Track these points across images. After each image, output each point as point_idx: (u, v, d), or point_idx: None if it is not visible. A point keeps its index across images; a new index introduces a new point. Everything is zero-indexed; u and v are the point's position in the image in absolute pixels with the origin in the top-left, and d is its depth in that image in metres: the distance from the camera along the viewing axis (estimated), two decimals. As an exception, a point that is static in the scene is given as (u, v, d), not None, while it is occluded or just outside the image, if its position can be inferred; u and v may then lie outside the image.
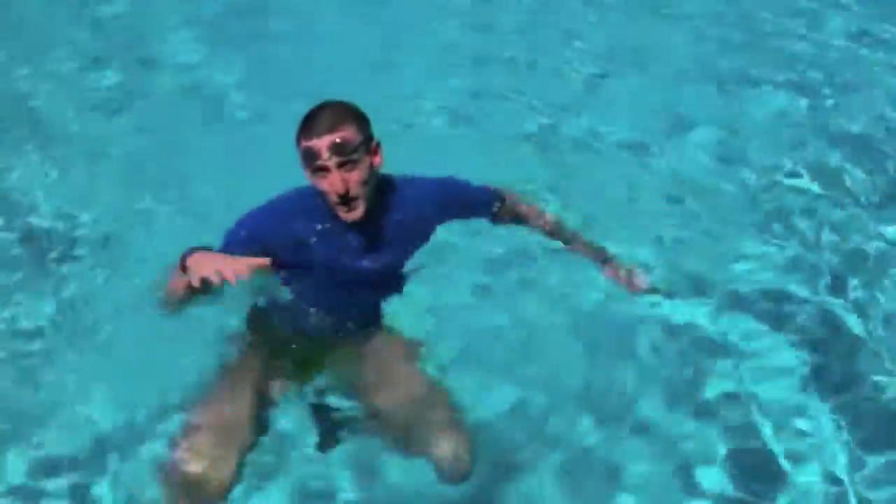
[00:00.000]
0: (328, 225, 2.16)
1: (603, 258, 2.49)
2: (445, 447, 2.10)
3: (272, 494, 2.30)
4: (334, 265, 2.19)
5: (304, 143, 2.04)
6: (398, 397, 2.23)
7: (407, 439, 2.19)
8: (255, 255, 2.04)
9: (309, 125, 2.05)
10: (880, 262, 3.15)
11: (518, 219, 2.46)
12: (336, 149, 2.02)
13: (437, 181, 2.33)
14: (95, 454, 2.45)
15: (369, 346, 2.34)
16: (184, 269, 2.02)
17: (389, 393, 2.25)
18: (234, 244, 2.12)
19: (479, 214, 2.39)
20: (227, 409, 2.20)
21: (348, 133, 2.04)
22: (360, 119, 2.10)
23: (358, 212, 2.08)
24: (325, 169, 2.03)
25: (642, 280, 2.49)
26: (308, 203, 2.16)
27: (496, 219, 2.41)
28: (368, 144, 2.10)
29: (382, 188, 2.18)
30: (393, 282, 2.31)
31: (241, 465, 2.14)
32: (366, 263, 2.20)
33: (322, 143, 2.02)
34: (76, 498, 2.37)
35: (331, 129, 2.03)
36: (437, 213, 2.30)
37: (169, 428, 2.32)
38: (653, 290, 2.62)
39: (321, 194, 2.11)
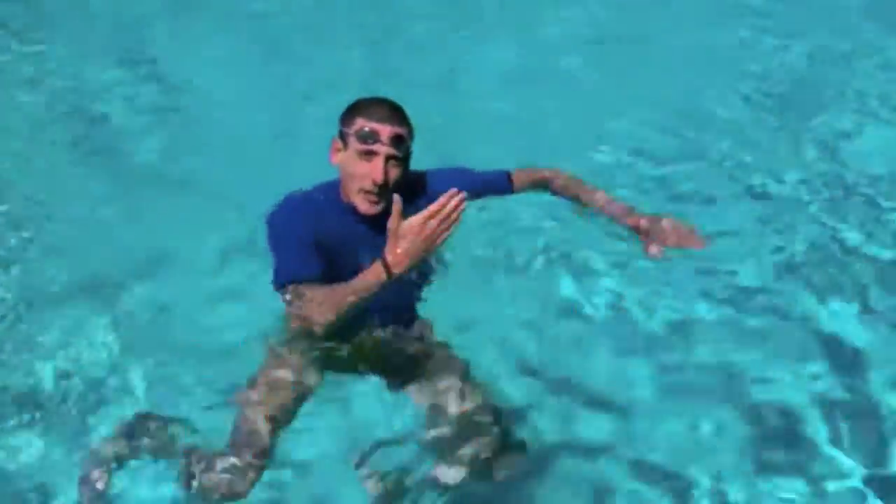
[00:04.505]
0: (344, 218, 2.17)
1: (631, 217, 2.30)
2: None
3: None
4: (353, 258, 2.11)
5: (364, 123, 2.07)
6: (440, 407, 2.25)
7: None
8: (320, 248, 2.07)
9: (371, 109, 2.10)
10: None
11: (536, 182, 2.43)
12: (396, 141, 2.07)
13: (454, 171, 2.35)
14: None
15: (407, 346, 2.36)
16: (389, 274, 1.90)
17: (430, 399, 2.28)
18: (298, 240, 2.09)
19: (498, 190, 2.39)
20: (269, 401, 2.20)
21: (405, 133, 2.12)
22: (412, 125, 2.15)
23: (380, 206, 2.11)
24: (375, 154, 2.06)
25: (694, 237, 2.21)
26: (320, 198, 2.20)
27: (514, 188, 2.40)
28: (410, 151, 2.15)
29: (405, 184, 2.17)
30: (415, 275, 2.29)
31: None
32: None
33: (386, 129, 2.06)
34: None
35: (395, 122, 2.09)
36: None
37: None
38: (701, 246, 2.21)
39: (338, 184, 2.15)
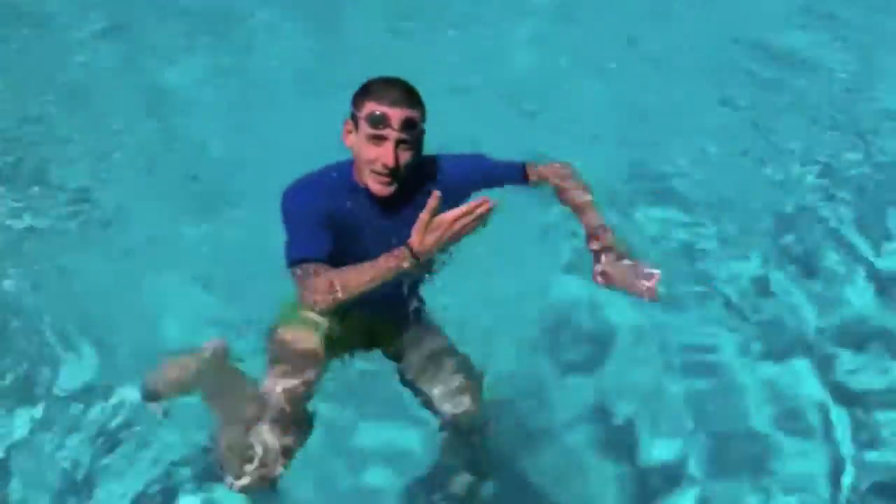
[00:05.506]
0: (356, 199, 2.17)
1: (603, 245, 2.16)
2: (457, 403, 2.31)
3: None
4: (363, 238, 2.16)
5: (374, 107, 2.04)
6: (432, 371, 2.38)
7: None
8: (332, 227, 2.10)
9: (382, 91, 2.06)
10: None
11: (545, 182, 2.39)
12: (407, 125, 2.04)
13: (470, 158, 2.33)
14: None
15: (414, 331, 2.42)
16: (415, 260, 1.98)
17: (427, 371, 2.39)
18: (311, 219, 2.10)
19: (511, 180, 2.36)
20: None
21: (417, 115, 2.09)
22: (424, 106, 2.13)
23: (392, 188, 2.10)
24: (384, 138, 2.05)
25: (647, 289, 2.04)
26: (335, 179, 2.19)
27: (527, 179, 2.37)
28: (423, 133, 2.13)
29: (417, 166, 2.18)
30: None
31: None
32: (393, 240, 2.05)
33: (396, 113, 2.03)
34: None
35: (407, 105, 2.06)
36: (470, 187, 2.26)
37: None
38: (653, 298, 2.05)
39: (352, 165, 2.15)
